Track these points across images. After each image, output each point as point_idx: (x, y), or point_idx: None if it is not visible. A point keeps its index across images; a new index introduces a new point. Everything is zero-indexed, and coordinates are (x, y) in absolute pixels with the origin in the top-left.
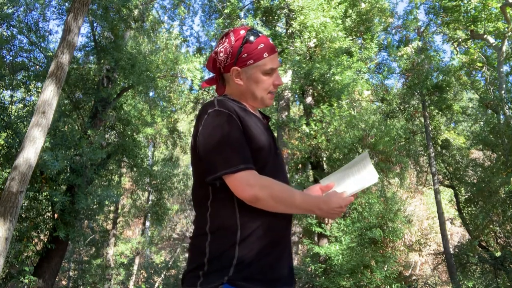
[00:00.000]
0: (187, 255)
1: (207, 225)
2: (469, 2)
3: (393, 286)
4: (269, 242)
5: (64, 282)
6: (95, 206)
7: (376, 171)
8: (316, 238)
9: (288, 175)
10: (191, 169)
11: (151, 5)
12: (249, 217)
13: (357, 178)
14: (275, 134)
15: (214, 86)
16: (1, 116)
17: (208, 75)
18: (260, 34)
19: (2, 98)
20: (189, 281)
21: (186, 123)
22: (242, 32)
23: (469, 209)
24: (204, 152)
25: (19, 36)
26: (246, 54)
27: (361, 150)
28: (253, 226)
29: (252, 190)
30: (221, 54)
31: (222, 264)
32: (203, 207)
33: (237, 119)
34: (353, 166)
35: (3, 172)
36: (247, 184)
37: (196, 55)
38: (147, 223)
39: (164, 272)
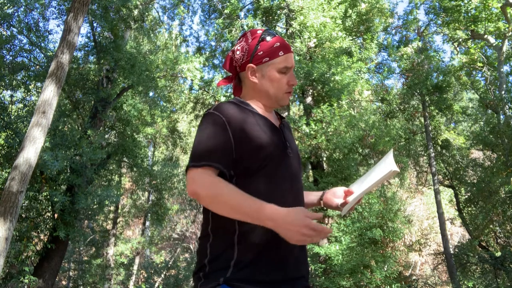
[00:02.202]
0: (187, 255)
1: (209, 225)
2: (470, 2)
3: (393, 286)
4: (269, 242)
5: (64, 282)
6: (95, 206)
7: (393, 157)
8: None
9: None
10: None
11: (151, 5)
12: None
13: (376, 171)
14: None
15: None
16: (1, 116)
17: (208, 74)
18: (276, 34)
19: (2, 98)
20: (194, 283)
21: (186, 123)
22: (259, 31)
23: (469, 209)
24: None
25: (19, 36)
26: (261, 52)
27: (361, 150)
28: (251, 225)
29: (193, 185)
30: (238, 53)
31: (221, 264)
32: (207, 208)
33: (225, 122)
34: (378, 165)
35: (3, 172)
36: (192, 179)
37: (196, 55)
38: (147, 223)
39: (164, 272)
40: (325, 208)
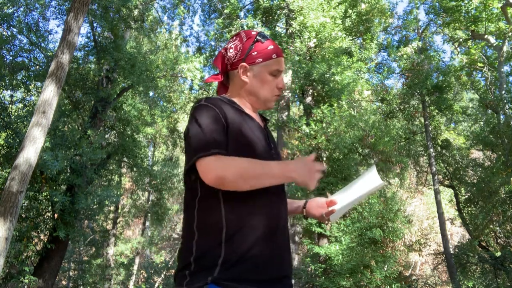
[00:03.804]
0: None
1: (195, 223)
2: (470, 2)
3: (393, 286)
4: (258, 241)
5: (64, 282)
6: (95, 206)
7: (377, 171)
8: (316, 238)
9: None
10: None
11: (151, 5)
12: (235, 214)
13: (361, 184)
14: (275, 135)
15: (214, 85)
16: (1, 116)
17: (208, 74)
18: (269, 38)
19: (2, 98)
20: (178, 281)
21: (186, 123)
22: (253, 33)
23: (469, 209)
24: (185, 143)
25: (19, 36)
26: (256, 52)
27: (361, 150)
28: (239, 224)
29: (215, 171)
30: (231, 50)
31: (208, 263)
32: (192, 204)
33: (219, 113)
34: (360, 177)
35: (3, 172)
36: (208, 167)
37: (196, 55)
38: (147, 223)
39: (164, 272)
40: (308, 217)
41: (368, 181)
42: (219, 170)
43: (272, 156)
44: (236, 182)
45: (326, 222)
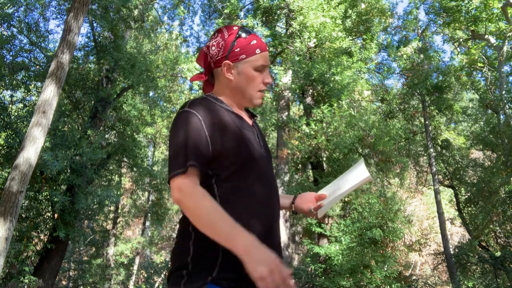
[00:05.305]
0: None
1: (191, 224)
2: (470, 3)
3: (393, 286)
4: None
5: (64, 282)
6: (95, 206)
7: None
8: (316, 238)
9: (288, 175)
10: None
11: (151, 5)
12: (232, 216)
13: (349, 178)
14: (275, 135)
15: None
16: (1, 116)
17: None
18: (252, 32)
19: (2, 98)
20: (174, 281)
21: None
22: (235, 28)
23: (469, 209)
24: (168, 150)
25: (19, 36)
26: (238, 49)
27: (361, 150)
28: None
29: (179, 194)
30: (213, 48)
31: (206, 264)
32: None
33: (201, 120)
34: (349, 171)
35: (3, 172)
36: (178, 187)
37: (196, 55)
38: (147, 223)
39: (164, 272)
40: (296, 212)
41: (356, 174)
42: (183, 195)
43: (262, 155)
44: (186, 212)
45: (314, 217)
